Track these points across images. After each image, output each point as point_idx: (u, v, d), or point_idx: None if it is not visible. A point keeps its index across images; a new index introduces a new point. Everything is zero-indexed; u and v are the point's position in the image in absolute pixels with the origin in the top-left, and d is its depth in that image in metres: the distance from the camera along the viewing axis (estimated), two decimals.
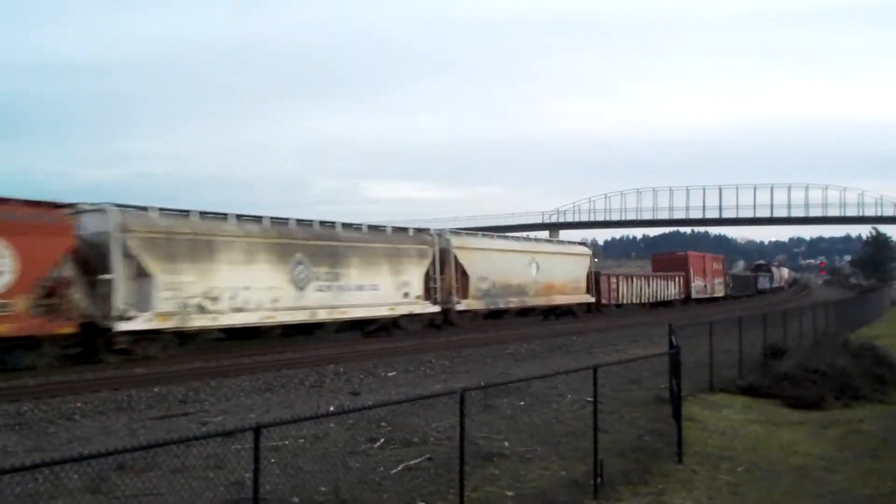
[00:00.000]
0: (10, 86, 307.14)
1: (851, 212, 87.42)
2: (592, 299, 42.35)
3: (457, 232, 35.69)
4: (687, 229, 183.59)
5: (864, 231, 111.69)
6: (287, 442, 9.83)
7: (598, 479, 8.61)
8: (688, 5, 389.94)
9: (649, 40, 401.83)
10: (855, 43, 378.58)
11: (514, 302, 35.60)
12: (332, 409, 12.33)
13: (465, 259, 32.29)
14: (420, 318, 29.92)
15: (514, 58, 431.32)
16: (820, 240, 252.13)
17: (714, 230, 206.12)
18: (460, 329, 30.83)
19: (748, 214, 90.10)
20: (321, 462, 8.89)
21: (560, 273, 39.40)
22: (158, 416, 12.88)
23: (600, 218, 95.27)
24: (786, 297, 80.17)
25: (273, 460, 8.88)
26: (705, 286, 61.41)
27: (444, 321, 31.20)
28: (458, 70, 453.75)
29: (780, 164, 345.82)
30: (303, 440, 10.07)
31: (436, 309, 30.42)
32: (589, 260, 43.28)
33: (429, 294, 30.10)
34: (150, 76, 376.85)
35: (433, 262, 30.35)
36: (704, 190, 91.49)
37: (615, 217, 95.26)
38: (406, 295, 29.05)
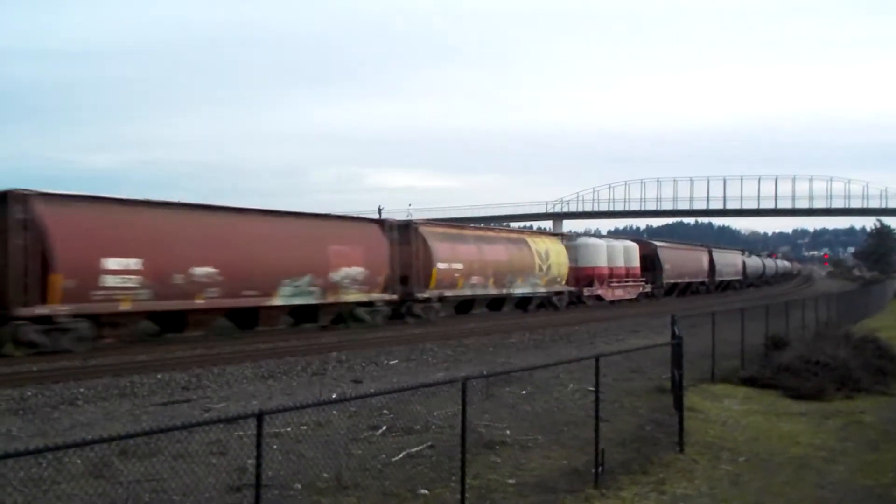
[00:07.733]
0: (7, 71, 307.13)
1: (856, 203, 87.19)
2: None
3: None
4: (690, 220, 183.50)
5: (868, 223, 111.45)
6: (289, 429, 9.85)
7: (599, 469, 8.63)
8: None
9: (653, 31, 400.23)
10: (860, 34, 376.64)
11: None
12: (334, 396, 12.36)
13: None
14: None
15: (517, 47, 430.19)
16: (824, 231, 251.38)
17: (718, 221, 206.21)
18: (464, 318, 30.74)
19: (752, 205, 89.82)
20: (323, 449, 8.92)
21: None
22: (161, 402, 12.92)
23: (604, 208, 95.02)
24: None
25: (275, 447, 8.91)
26: None
27: None
28: (461, 59, 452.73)
29: (784, 156, 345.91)
30: (305, 427, 10.10)
31: None
32: None
33: None
34: (149, 62, 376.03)
35: None
36: (709, 181, 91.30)
37: (619, 208, 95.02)
38: None
